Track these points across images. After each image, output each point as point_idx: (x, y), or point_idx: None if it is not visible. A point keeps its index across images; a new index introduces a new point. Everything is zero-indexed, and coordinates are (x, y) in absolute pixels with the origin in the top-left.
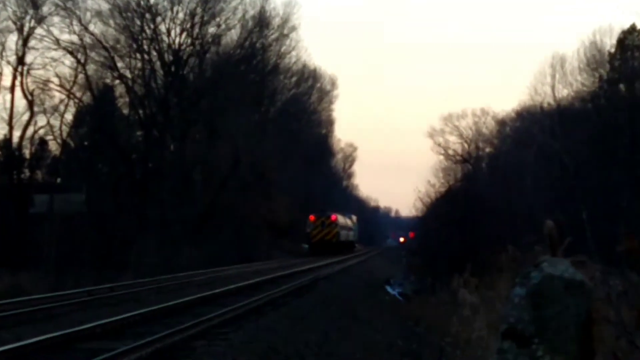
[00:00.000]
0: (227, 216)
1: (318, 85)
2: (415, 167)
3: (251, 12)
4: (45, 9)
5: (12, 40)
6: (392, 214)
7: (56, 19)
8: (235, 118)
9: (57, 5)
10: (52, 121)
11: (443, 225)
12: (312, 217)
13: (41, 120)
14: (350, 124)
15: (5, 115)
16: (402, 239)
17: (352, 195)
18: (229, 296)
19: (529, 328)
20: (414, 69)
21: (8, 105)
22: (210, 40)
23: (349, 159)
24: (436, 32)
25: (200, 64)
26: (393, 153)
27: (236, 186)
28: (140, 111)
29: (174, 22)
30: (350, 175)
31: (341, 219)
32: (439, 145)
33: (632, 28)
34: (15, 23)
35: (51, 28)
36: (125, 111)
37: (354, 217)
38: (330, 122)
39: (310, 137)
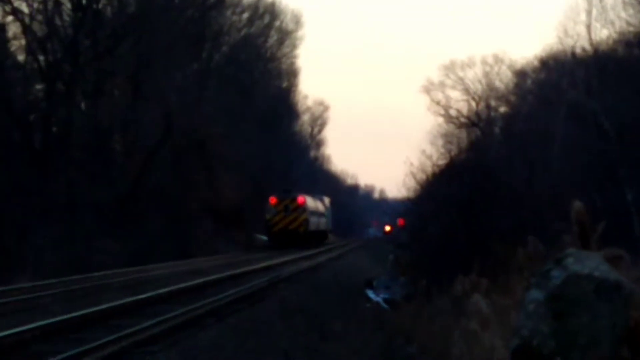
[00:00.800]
0: (157, 199)
1: (277, 23)
2: (406, 133)
3: None
4: None
5: None
6: (376, 195)
7: None
8: (166, 68)
9: None
10: None
11: (443, 209)
12: (272, 200)
13: None
14: (320, 75)
15: None
16: (387, 228)
17: (322, 170)
18: (158, 303)
19: (548, 344)
20: (405, 3)
21: None
22: None
23: (319, 121)
24: None
25: None
26: (377, 114)
27: (168, 160)
28: (41, 58)
29: None
30: (320, 144)
31: (310, 202)
32: (438, 103)
33: None
34: None
35: None
36: (21, 58)
37: (327, 200)
38: (293, 73)
39: (268, 93)
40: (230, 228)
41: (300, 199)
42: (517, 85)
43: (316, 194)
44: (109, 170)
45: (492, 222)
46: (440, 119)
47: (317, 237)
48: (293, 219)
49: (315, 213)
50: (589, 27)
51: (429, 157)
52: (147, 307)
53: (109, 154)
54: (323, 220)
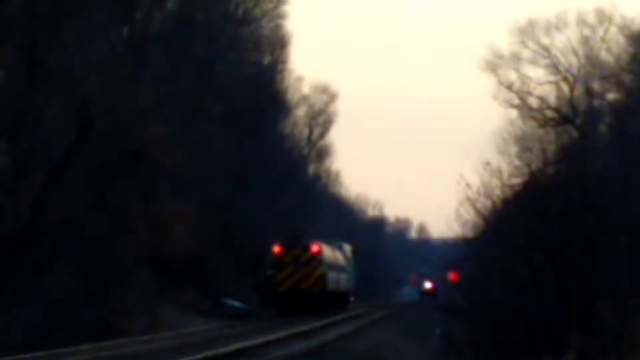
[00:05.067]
0: (65, 241)
1: None
2: (458, 136)
3: None
4: None
5: None
6: (412, 235)
7: None
8: (80, 34)
9: None
10: None
11: (521, 255)
12: (277, 249)
13: None
14: (322, 46)
15: None
16: (428, 285)
17: (326, 194)
18: None
19: None
20: None
21: None
22: None
23: (321, 118)
24: None
25: None
26: (409, 107)
27: (84, 178)
28: None
29: None
30: (323, 153)
31: (328, 252)
32: (509, 87)
33: None
34: None
35: None
36: None
37: (348, 248)
38: (280, 42)
39: (240, 73)
40: (183, 286)
41: (315, 247)
42: (635, 58)
43: (334, 239)
44: None
45: (599, 275)
46: (514, 113)
47: (337, 300)
48: (305, 275)
49: (334, 267)
50: None
51: (497, 174)
52: None
53: None
54: (344, 276)
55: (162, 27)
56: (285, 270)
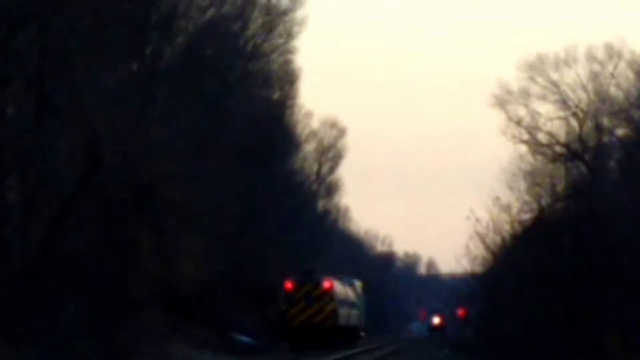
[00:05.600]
0: (75, 276)
1: None
2: (467, 172)
3: None
4: None
5: None
6: (421, 270)
7: None
8: (89, 70)
9: None
10: None
11: (530, 291)
12: (289, 285)
13: None
14: (331, 82)
15: None
16: (437, 320)
17: (336, 229)
18: None
19: None
20: None
21: None
22: None
23: (330, 153)
24: None
25: None
26: (419, 143)
27: (94, 214)
28: None
29: None
30: (332, 189)
31: (339, 288)
32: (519, 123)
33: None
34: None
35: None
36: None
37: (358, 285)
38: (289, 77)
39: (249, 108)
40: (193, 322)
41: (327, 283)
42: None
43: (345, 275)
44: (0, 230)
45: (608, 310)
46: (523, 148)
47: (348, 335)
48: (317, 310)
49: (346, 302)
50: None
51: (506, 209)
52: None
53: (0, 205)
54: (355, 312)
55: (171, 62)
56: (298, 306)
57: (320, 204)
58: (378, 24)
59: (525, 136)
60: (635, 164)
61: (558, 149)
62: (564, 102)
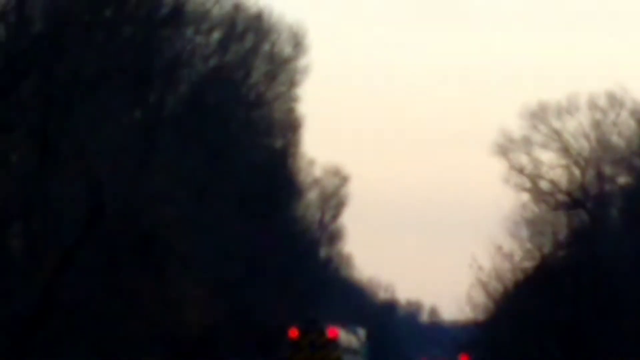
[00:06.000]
0: (78, 321)
1: (266, 47)
2: (469, 220)
3: None
4: None
5: None
6: (424, 318)
7: None
8: (92, 118)
9: None
10: None
11: (532, 338)
12: (293, 333)
13: None
14: (334, 130)
15: None
16: None
17: (338, 277)
18: None
19: None
20: (464, 27)
21: None
22: None
23: (333, 201)
24: None
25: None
26: (421, 191)
27: (97, 261)
28: None
29: None
30: (335, 236)
31: (343, 337)
32: (521, 171)
33: None
34: None
35: None
36: None
37: (362, 333)
38: (292, 125)
39: (252, 156)
40: None
41: (332, 331)
42: None
43: (349, 323)
44: (4, 277)
45: (609, 355)
46: (525, 196)
47: None
48: (322, 358)
49: (349, 350)
50: None
51: (508, 257)
52: None
53: (4, 251)
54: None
55: (174, 110)
56: (302, 353)
57: (323, 252)
58: (382, 72)
59: (527, 184)
60: (637, 213)
61: (560, 196)
62: (566, 150)
